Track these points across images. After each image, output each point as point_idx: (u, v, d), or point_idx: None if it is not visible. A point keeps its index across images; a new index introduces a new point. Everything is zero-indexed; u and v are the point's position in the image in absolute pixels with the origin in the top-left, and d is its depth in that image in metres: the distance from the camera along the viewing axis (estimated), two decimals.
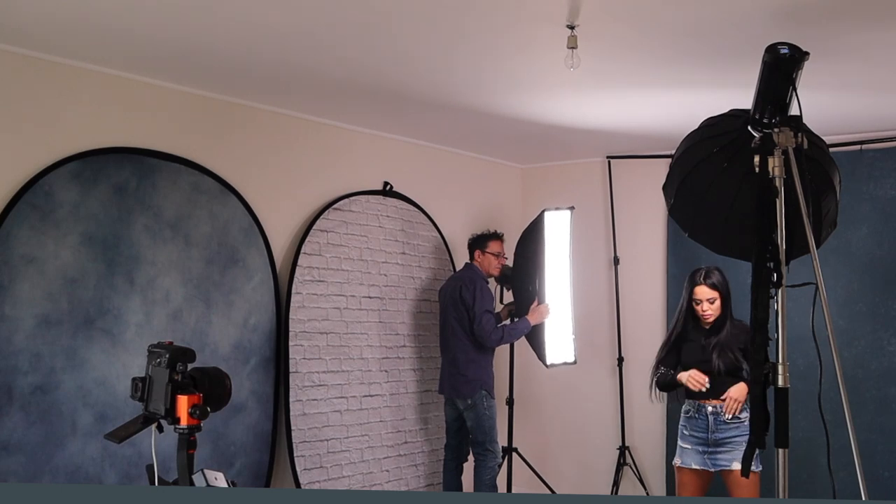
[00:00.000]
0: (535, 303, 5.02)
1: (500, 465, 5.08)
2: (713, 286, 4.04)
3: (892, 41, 3.41)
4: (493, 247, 5.18)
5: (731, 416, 3.93)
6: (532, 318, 5.00)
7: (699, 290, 4.06)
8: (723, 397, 3.93)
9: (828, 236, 2.75)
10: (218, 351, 4.24)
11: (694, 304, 4.09)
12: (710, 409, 4.01)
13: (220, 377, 2.16)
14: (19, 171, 3.60)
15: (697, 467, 4.04)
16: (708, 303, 4.04)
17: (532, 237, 5.14)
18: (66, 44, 3.54)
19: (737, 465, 3.90)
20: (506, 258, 5.26)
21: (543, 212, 5.16)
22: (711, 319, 4.06)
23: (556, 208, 5.23)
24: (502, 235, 5.27)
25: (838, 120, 4.70)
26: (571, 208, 5.26)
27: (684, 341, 4.14)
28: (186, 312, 4.13)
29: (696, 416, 4.06)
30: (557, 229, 5.21)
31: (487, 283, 5.12)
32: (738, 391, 3.92)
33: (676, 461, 4.14)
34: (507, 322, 5.16)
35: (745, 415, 3.94)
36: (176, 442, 2.07)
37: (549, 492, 5.48)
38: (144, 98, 4.06)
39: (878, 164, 4.97)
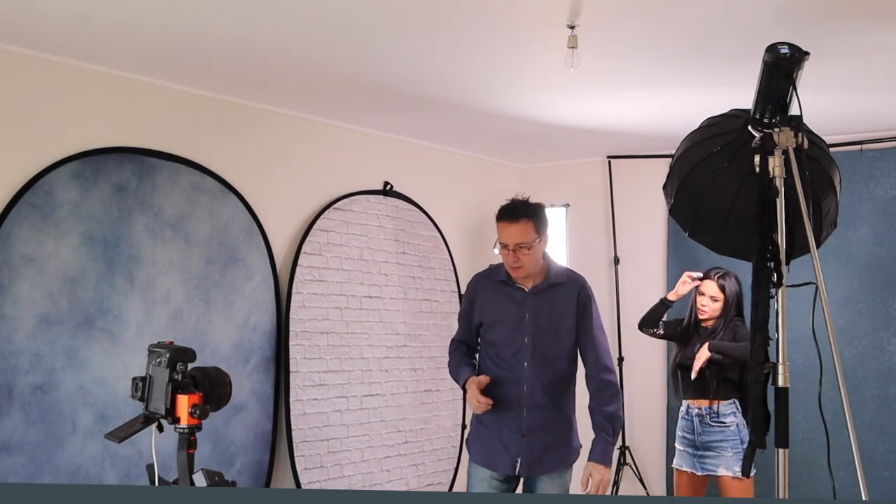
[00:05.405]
0: (477, 383, 3.35)
1: None
2: (721, 287, 4.03)
3: (892, 42, 3.41)
4: (498, 235, 3.43)
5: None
6: (468, 388, 3.43)
7: (706, 284, 4.08)
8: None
9: (828, 236, 2.75)
10: (218, 351, 4.24)
11: (698, 294, 4.10)
12: (695, 410, 4.01)
13: (221, 377, 2.16)
14: (19, 171, 3.60)
15: (688, 469, 4.05)
16: (710, 299, 4.04)
17: None
18: (66, 44, 3.54)
19: (723, 471, 3.92)
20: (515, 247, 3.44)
21: None
22: (704, 317, 4.06)
23: (551, 205, 5.22)
24: (499, 214, 3.40)
25: (838, 120, 4.69)
26: (566, 206, 5.26)
27: (686, 334, 4.16)
28: (187, 312, 4.13)
29: (685, 416, 4.08)
30: (553, 227, 5.20)
31: (502, 281, 3.74)
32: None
33: (674, 462, 4.16)
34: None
35: (731, 419, 3.94)
36: (176, 442, 2.07)
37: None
38: (144, 98, 4.05)
39: (878, 164, 4.97)
